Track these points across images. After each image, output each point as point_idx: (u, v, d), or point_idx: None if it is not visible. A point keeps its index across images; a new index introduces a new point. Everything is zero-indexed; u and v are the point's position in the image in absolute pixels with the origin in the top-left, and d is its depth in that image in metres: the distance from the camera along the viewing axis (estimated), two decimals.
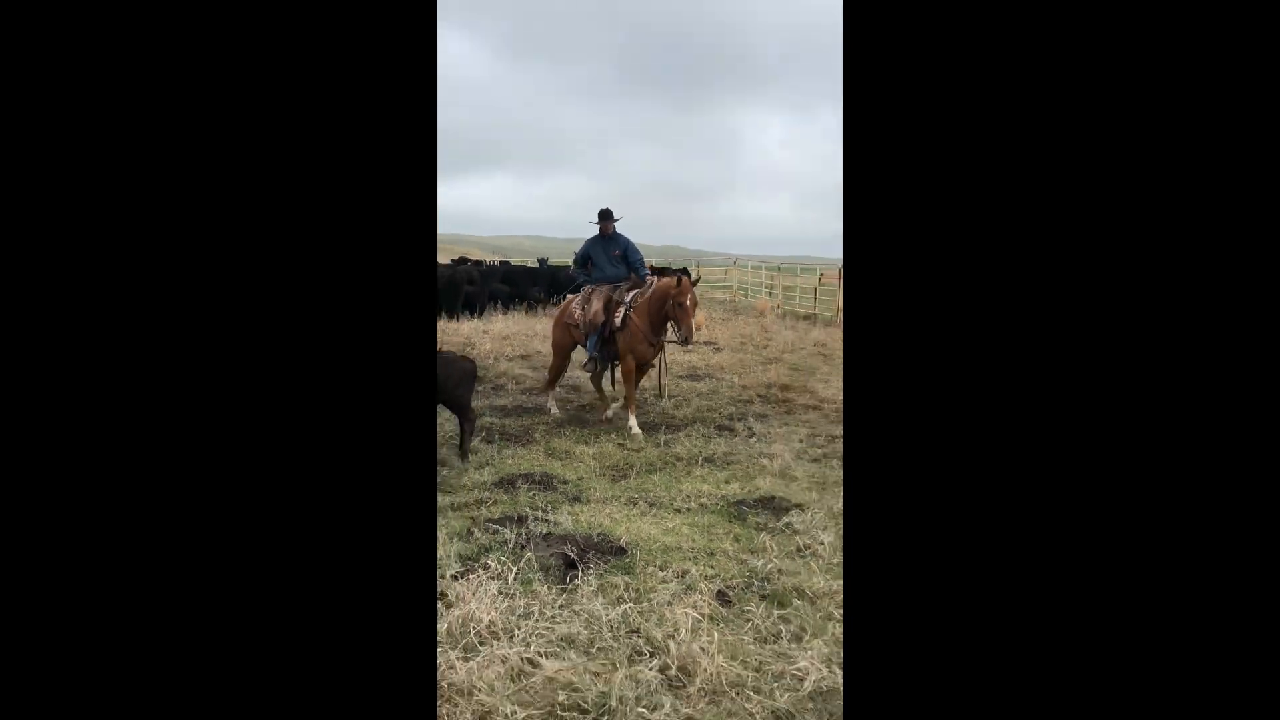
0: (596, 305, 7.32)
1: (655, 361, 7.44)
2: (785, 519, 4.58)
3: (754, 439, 6.63)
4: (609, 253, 7.65)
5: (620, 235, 7.73)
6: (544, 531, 4.26)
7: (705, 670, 2.82)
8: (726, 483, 5.37)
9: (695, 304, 6.89)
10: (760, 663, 2.96)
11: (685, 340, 6.92)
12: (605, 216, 7.70)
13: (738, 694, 2.75)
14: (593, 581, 3.57)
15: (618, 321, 7.14)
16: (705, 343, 13.31)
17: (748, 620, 3.30)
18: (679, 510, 4.77)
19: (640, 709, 2.61)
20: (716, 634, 3.11)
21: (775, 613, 3.38)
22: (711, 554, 4.05)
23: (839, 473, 5.65)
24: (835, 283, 19.23)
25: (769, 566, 3.87)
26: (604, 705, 2.63)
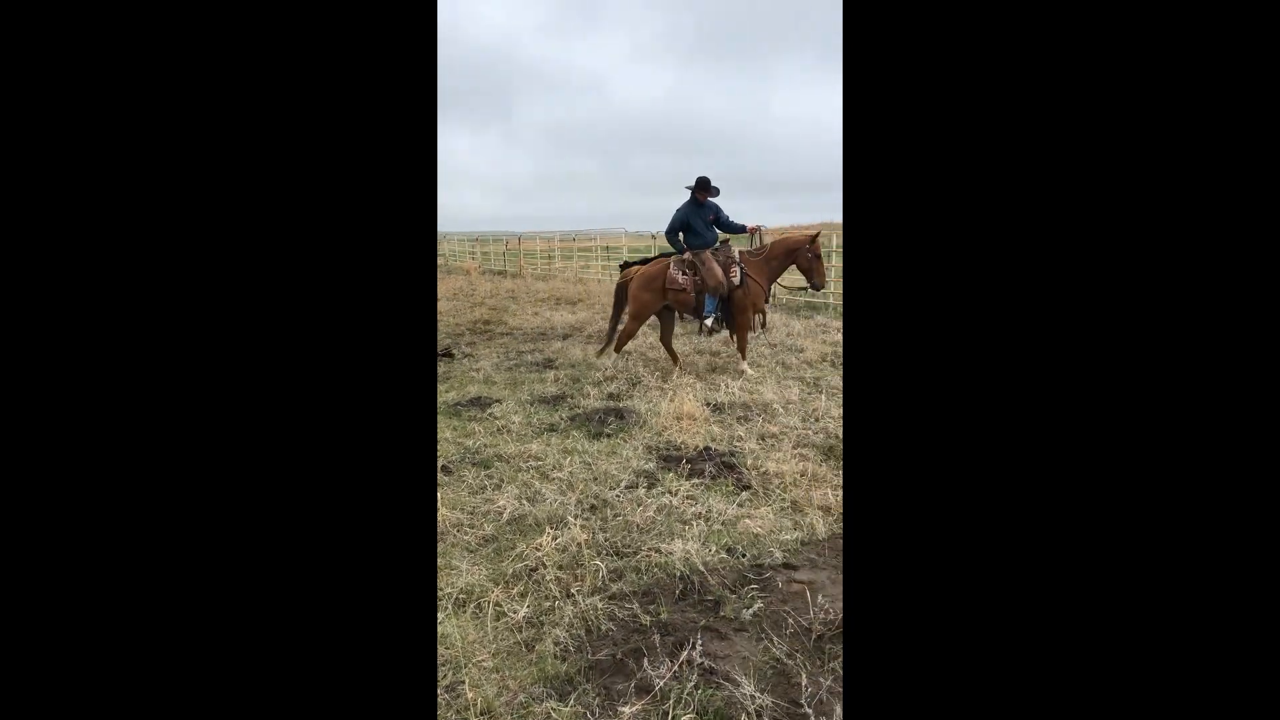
0: (718, 270, 5.45)
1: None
2: (489, 410, 4.58)
3: (466, 359, 6.49)
4: (704, 218, 5.60)
5: (709, 201, 5.64)
6: None
7: (436, 519, 2.79)
8: (446, 391, 5.22)
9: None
10: (474, 507, 2.98)
11: (818, 287, 5.57)
12: (703, 185, 5.54)
13: (459, 530, 2.76)
14: None
15: (736, 280, 5.49)
16: None
17: (463, 481, 3.29)
18: None
19: None
20: (440, 493, 3.08)
21: (483, 473, 3.41)
22: (437, 442, 3.96)
23: (526, 376, 5.73)
24: (518, 248, 19.11)
25: (478, 444, 3.88)
26: None
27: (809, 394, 4.89)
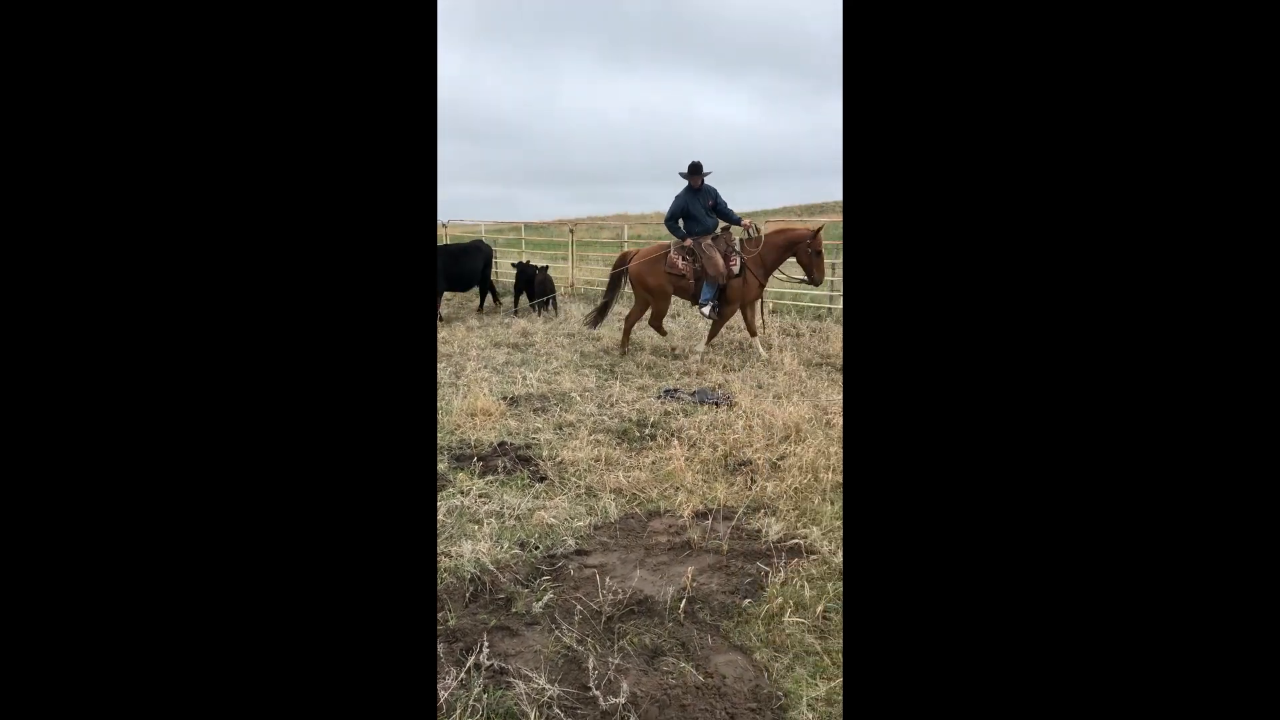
0: (719, 258, 5.45)
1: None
2: None
3: None
4: (703, 204, 5.57)
5: (707, 186, 5.60)
6: None
7: None
8: None
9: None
10: None
11: (817, 283, 5.56)
12: (696, 170, 5.48)
13: None
14: None
15: (735, 269, 5.46)
16: None
17: None
18: None
19: None
20: None
21: None
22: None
23: None
24: None
25: None
26: None
27: (605, 380, 5.02)
